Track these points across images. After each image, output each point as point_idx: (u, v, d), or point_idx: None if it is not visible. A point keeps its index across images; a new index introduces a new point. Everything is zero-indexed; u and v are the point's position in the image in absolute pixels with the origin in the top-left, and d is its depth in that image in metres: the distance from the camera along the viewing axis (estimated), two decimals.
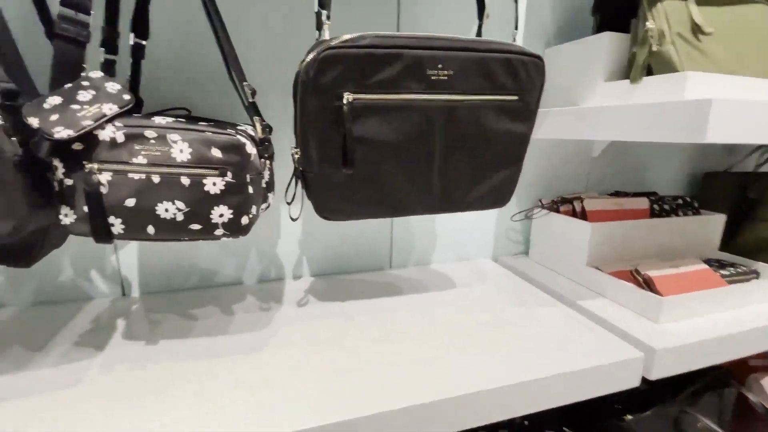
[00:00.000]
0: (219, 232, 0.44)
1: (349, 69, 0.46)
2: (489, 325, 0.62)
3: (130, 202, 0.41)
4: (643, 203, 0.87)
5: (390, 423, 0.44)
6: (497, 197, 0.60)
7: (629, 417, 0.69)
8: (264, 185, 0.49)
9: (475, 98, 0.51)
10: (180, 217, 0.42)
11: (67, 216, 0.41)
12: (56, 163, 0.40)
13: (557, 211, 0.86)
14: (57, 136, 0.37)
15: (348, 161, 0.49)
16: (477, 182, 0.57)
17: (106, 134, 0.40)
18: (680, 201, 0.91)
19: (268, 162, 0.51)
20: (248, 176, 0.44)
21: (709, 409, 0.73)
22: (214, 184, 0.43)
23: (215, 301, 0.69)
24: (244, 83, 0.51)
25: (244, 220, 0.45)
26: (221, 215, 0.44)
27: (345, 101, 0.47)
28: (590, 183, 0.98)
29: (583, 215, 0.83)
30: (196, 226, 0.43)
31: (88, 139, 0.39)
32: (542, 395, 0.51)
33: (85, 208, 0.40)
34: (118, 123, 0.40)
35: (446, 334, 0.59)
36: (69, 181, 0.40)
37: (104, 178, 0.40)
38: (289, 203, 0.57)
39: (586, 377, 0.53)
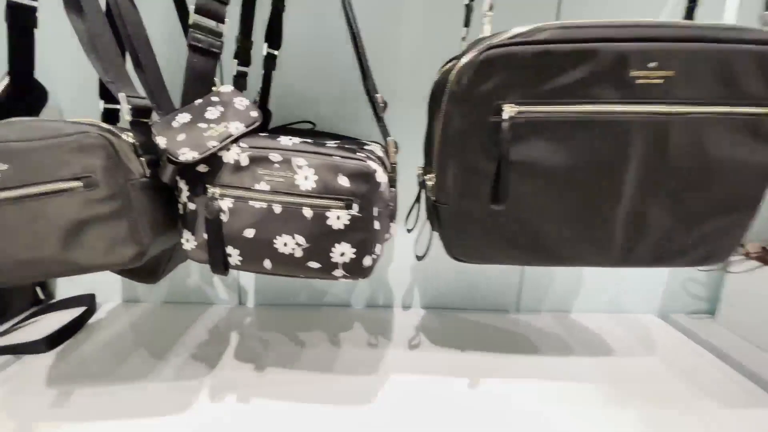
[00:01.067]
0: (338, 273, 0.37)
1: (516, 73, 0.34)
2: (655, 418, 0.44)
3: (250, 233, 0.36)
4: None
5: None
6: (709, 253, 0.42)
7: None
8: (389, 215, 0.41)
9: (705, 111, 0.34)
10: (299, 253, 0.36)
11: (188, 242, 0.38)
12: (181, 185, 0.37)
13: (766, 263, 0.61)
14: (182, 158, 0.33)
15: (500, 196, 0.37)
16: (682, 231, 0.40)
17: (230, 156, 0.35)
18: None
19: (395, 191, 0.42)
20: (376, 209, 0.36)
21: None
22: (338, 218, 0.35)
23: (323, 325, 0.64)
24: (376, 95, 0.43)
25: (367, 261, 0.37)
26: (342, 254, 0.36)
27: (505, 116, 0.35)
28: None
29: None
30: (314, 264, 0.37)
31: (213, 160, 0.35)
32: None
33: (205, 236, 0.37)
34: (243, 143, 0.36)
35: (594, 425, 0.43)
36: (192, 206, 0.37)
37: (225, 204, 0.36)
38: (409, 231, 0.48)
39: None
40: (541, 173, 0.38)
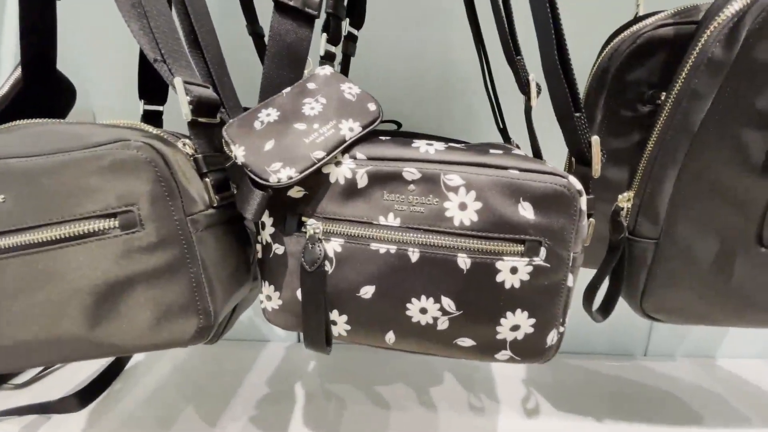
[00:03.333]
0: (503, 356, 0.24)
1: None
2: None
3: (368, 292, 0.23)
4: None
5: None
6: None
7: None
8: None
9: None
10: (444, 325, 0.23)
11: (270, 300, 0.26)
12: (264, 217, 0.24)
13: None
14: (273, 178, 0.21)
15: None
16: None
17: (341, 172, 0.22)
18: None
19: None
20: (572, 255, 0.22)
21: None
22: (512, 271, 0.22)
23: (405, 375, 0.51)
24: (527, 76, 0.29)
25: (551, 338, 0.23)
26: (515, 327, 0.23)
27: None
28: None
29: None
30: (466, 342, 0.23)
31: (313, 179, 0.23)
32: None
33: (299, 294, 0.24)
34: (360, 153, 0.23)
35: None
36: (279, 249, 0.24)
37: (332, 247, 0.23)
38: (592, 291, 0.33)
39: None
40: None
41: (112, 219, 0.20)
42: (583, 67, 0.32)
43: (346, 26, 0.42)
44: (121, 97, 0.40)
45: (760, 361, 0.56)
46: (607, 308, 0.31)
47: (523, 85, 0.30)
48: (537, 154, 0.29)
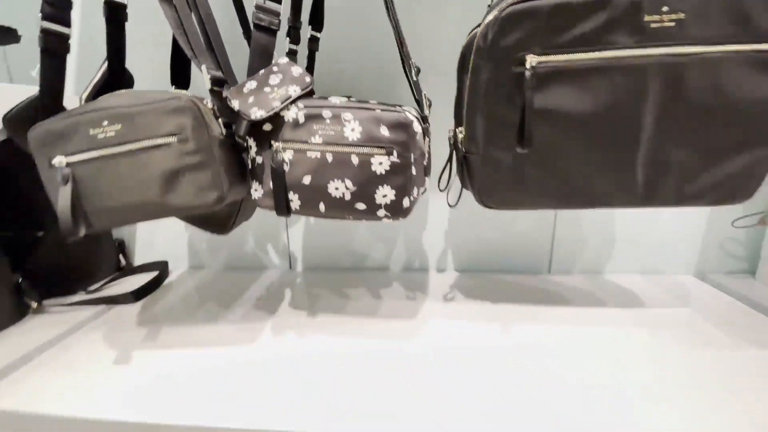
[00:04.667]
0: (381, 213, 0.43)
1: (537, 26, 0.38)
2: (694, 358, 0.47)
3: (307, 180, 0.42)
4: None
5: None
6: (732, 190, 0.44)
7: None
8: (424, 166, 0.46)
9: (718, 50, 0.37)
10: (348, 196, 0.42)
11: (256, 191, 0.46)
12: (250, 142, 0.44)
13: None
14: (253, 116, 0.40)
15: (524, 139, 0.41)
16: (702, 170, 0.43)
17: (290, 115, 0.42)
18: None
19: (428, 142, 0.47)
20: (413, 156, 0.41)
21: None
22: (380, 164, 0.41)
23: (365, 284, 0.71)
24: (411, 61, 0.49)
25: (406, 202, 0.42)
26: (384, 195, 0.42)
27: (528, 66, 0.39)
28: None
29: None
30: (361, 206, 0.43)
31: (276, 120, 0.42)
32: None
33: (271, 184, 0.43)
34: (300, 104, 0.42)
35: (629, 365, 0.46)
36: (259, 159, 0.44)
37: (287, 156, 0.42)
38: (442, 190, 0.53)
39: None
40: (563, 119, 0.41)
41: (173, 137, 0.40)
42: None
43: (309, 31, 0.61)
44: (158, 84, 0.61)
45: (638, 276, 0.74)
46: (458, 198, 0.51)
47: (410, 67, 0.49)
48: (420, 105, 0.48)
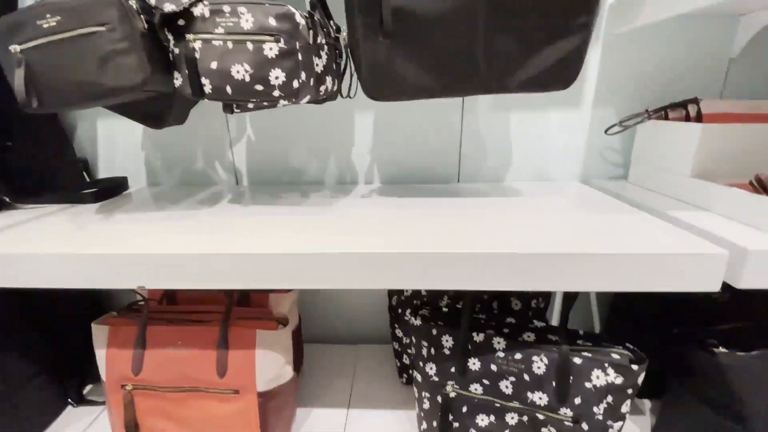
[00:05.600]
0: (276, 93, 0.54)
1: None
2: (550, 218, 0.59)
3: (214, 65, 0.53)
4: None
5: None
6: (554, 76, 0.55)
7: (722, 350, 0.58)
8: (317, 62, 0.56)
9: None
10: (247, 78, 0.53)
11: (177, 80, 0.56)
12: (169, 36, 0.54)
13: (666, 118, 0.72)
14: (166, 9, 0.51)
15: (385, 31, 0.52)
16: (528, 56, 0.54)
17: (198, 11, 0.52)
18: None
19: (323, 42, 0.57)
20: (298, 44, 0.52)
21: None
22: (270, 49, 0.52)
23: (299, 191, 0.83)
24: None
25: (295, 83, 0.53)
26: (277, 77, 0.53)
27: None
28: (727, 93, 0.79)
29: (699, 120, 0.68)
30: (259, 87, 0.53)
31: (187, 15, 0.52)
32: (595, 272, 0.47)
33: (186, 71, 0.54)
34: (206, 1, 0.52)
35: (501, 223, 0.59)
36: (176, 50, 0.54)
37: (197, 45, 0.53)
38: (351, 96, 0.64)
39: (641, 264, 0.47)
40: (415, 15, 0.52)
41: (103, 26, 0.50)
42: None
43: None
44: None
45: (534, 183, 0.86)
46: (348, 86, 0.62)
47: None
48: (312, 6, 0.59)
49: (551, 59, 0.54)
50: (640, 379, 0.55)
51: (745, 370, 0.57)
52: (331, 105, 0.83)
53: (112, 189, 0.82)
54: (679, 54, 0.77)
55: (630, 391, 0.55)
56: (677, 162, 0.66)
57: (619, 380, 0.55)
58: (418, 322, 0.67)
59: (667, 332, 0.67)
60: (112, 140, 0.89)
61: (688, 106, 0.69)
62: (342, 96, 0.66)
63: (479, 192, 0.77)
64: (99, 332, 0.68)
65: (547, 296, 0.74)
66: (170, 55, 0.55)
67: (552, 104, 0.81)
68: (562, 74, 0.55)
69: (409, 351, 0.83)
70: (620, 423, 0.57)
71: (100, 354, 0.68)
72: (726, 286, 0.48)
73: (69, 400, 0.83)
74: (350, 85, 0.67)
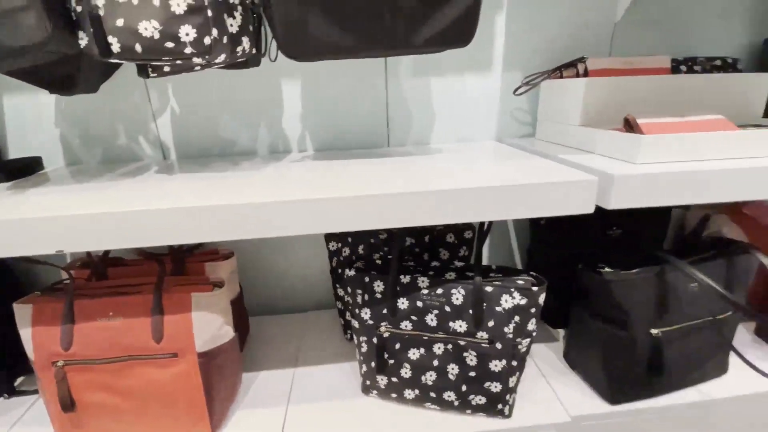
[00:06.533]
0: (188, 50, 0.54)
1: None
2: (464, 167, 0.66)
3: (120, 22, 0.53)
4: (664, 62, 0.78)
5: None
6: (455, 33, 0.61)
7: (608, 269, 0.68)
8: (230, 22, 0.57)
9: None
10: (157, 35, 0.53)
11: (82, 39, 0.55)
12: None
13: (561, 77, 0.82)
14: None
15: None
16: (429, 15, 0.59)
17: None
18: (718, 62, 0.79)
19: (235, 2, 0.59)
20: (206, 1, 0.53)
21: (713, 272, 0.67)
22: (178, 5, 0.52)
23: (231, 160, 0.83)
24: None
25: (207, 40, 0.54)
26: (187, 34, 0.53)
27: None
28: (614, 52, 0.90)
29: (586, 76, 0.77)
30: (170, 45, 0.54)
31: None
32: (481, 204, 0.54)
33: (92, 30, 0.53)
34: None
35: (425, 172, 0.64)
36: (79, 8, 0.53)
37: (100, 2, 0.52)
38: (272, 60, 0.66)
39: (530, 192, 0.54)
40: None
41: None
42: None
43: None
44: None
45: (455, 143, 0.93)
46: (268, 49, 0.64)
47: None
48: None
49: (451, 16, 0.59)
50: (542, 299, 0.64)
51: (626, 285, 0.67)
52: (256, 73, 0.84)
53: (23, 169, 0.77)
54: (575, 18, 0.86)
55: (533, 310, 0.64)
56: (569, 114, 0.76)
57: (523, 301, 0.63)
58: (352, 273, 0.71)
59: (572, 269, 0.77)
60: (22, 118, 0.83)
61: (578, 64, 0.79)
62: (263, 58, 0.68)
63: (407, 153, 0.82)
64: (22, 311, 0.65)
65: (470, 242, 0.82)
66: (72, 14, 0.54)
67: (468, 69, 0.88)
68: (462, 31, 0.61)
69: (349, 307, 0.88)
70: (528, 340, 0.65)
71: (26, 334, 0.65)
72: (600, 210, 0.56)
73: None
74: (268, 46, 0.69)
